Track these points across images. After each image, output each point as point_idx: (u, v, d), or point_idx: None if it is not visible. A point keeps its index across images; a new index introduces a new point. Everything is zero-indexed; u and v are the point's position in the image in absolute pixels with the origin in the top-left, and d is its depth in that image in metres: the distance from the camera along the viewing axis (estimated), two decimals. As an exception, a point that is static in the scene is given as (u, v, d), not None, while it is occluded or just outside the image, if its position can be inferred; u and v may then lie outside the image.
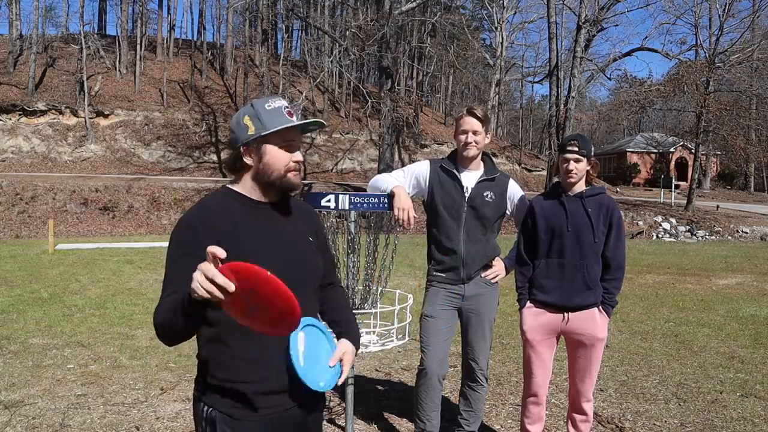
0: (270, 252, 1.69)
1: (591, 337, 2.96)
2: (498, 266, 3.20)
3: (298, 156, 1.73)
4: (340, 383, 1.77)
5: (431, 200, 3.17)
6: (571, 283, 2.92)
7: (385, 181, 3.11)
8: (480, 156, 3.17)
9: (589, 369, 3.01)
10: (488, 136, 3.12)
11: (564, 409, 4.02)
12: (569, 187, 2.96)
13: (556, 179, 3.09)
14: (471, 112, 3.05)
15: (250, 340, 1.62)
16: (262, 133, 1.68)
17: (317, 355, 1.72)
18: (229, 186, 1.77)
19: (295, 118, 1.70)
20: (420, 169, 3.21)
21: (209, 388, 1.68)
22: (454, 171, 3.13)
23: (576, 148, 2.87)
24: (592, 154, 2.93)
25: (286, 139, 1.71)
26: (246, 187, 1.75)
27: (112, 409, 4.01)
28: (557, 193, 3.01)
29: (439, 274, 3.18)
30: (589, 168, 2.94)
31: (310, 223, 1.90)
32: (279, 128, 1.68)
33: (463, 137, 3.07)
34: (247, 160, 1.71)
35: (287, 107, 1.72)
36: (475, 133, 3.05)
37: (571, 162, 2.89)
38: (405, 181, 3.16)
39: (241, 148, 1.70)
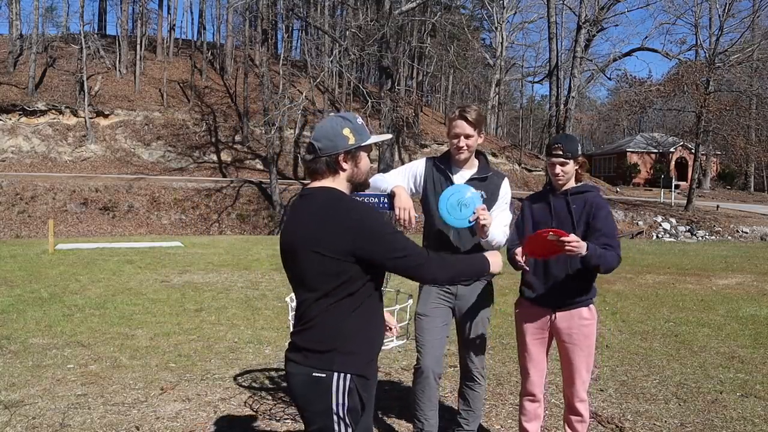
0: None
1: (578, 336, 2.96)
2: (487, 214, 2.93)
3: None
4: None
5: (425, 196, 3.18)
6: (557, 280, 2.93)
7: (384, 181, 3.11)
8: (474, 155, 3.17)
9: (578, 369, 3.00)
10: (482, 135, 3.10)
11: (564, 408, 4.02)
12: (559, 187, 3.00)
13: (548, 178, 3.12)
14: (462, 116, 3.02)
15: (377, 313, 2.10)
16: (362, 144, 2.05)
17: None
18: (328, 186, 2.07)
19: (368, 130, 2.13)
20: (417, 168, 3.22)
21: (353, 356, 1.99)
22: (447, 169, 3.13)
23: (560, 152, 2.89)
24: (579, 153, 2.95)
25: (368, 150, 2.11)
26: (343, 186, 2.08)
27: (112, 409, 4.01)
28: (546, 191, 3.05)
29: None
30: (577, 167, 2.96)
31: None
32: (374, 141, 2.07)
33: (455, 141, 3.06)
34: (345, 165, 2.05)
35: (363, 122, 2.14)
36: (466, 137, 3.04)
37: (557, 166, 2.92)
38: (404, 180, 3.17)
39: (341, 155, 2.03)
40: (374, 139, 2.08)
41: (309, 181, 2.12)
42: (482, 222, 2.84)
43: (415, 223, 2.95)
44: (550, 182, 3.05)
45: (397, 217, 2.91)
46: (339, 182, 2.06)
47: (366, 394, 2.01)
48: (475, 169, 3.16)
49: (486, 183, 3.14)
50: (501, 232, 3.07)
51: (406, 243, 2.00)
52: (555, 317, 2.97)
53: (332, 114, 2.14)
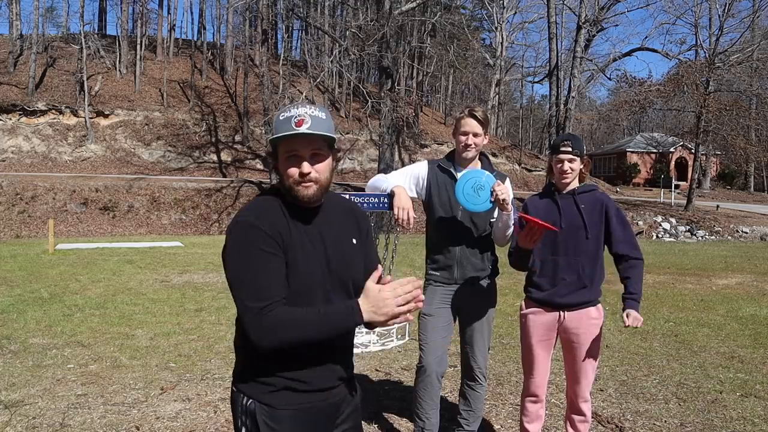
0: (313, 252, 1.71)
1: (586, 336, 2.96)
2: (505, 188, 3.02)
3: (303, 168, 1.65)
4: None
5: (428, 200, 3.18)
6: (565, 281, 2.92)
7: (384, 181, 3.11)
8: (477, 156, 3.18)
9: (584, 369, 3.00)
10: (487, 136, 3.13)
11: (564, 408, 4.01)
12: (564, 186, 2.98)
13: (550, 179, 3.10)
14: (472, 114, 3.04)
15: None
16: (271, 144, 1.70)
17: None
18: (278, 185, 1.78)
19: (303, 127, 1.63)
20: (418, 170, 3.23)
21: (251, 380, 1.71)
22: (452, 170, 3.14)
23: (569, 149, 2.89)
24: (585, 152, 2.95)
25: (288, 150, 1.67)
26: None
27: (112, 409, 4.01)
28: (551, 192, 3.03)
29: (434, 273, 3.20)
30: (581, 167, 2.96)
31: (355, 225, 1.87)
32: (273, 138, 1.67)
33: (463, 138, 3.07)
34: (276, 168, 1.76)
35: (300, 116, 1.64)
36: (475, 135, 3.06)
37: (566, 162, 2.91)
38: (404, 181, 3.17)
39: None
40: (276, 136, 1.67)
41: None
42: (501, 197, 2.88)
43: (414, 223, 2.95)
44: (553, 183, 3.05)
45: (396, 217, 2.91)
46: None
47: (277, 426, 1.68)
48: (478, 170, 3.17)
49: None
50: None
51: (244, 287, 1.61)
52: (564, 317, 2.97)
53: None
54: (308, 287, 1.68)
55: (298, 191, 1.68)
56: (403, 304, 1.58)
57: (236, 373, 1.78)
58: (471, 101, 50.65)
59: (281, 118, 1.67)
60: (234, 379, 1.79)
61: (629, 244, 2.94)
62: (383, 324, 1.62)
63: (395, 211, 2.92)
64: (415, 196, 3.20)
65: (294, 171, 1.66)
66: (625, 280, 2.93)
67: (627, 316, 2.82)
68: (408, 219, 2.89)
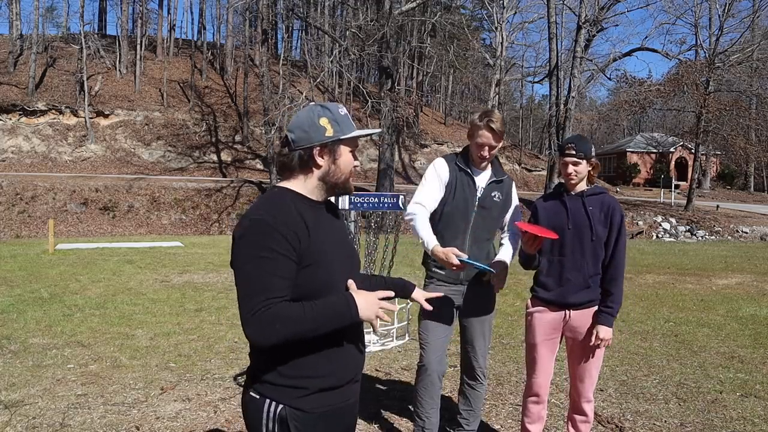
0: (335, 250, 1.78)
1: (590, 335, 2.96)
2: (499, 279, 3.12)
3: (356, 162, 1.85)
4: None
5: (447, 197, 3.14)
6: (571, 280, 2.93)
7: (423, 229, 3.04)
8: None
9: (589, 369, 3.01)
10: (502, 140, 3.13)
11: (564, 408, 4.02)
12: (572, 187, 2.99)
13: (560, 180, 3.10)
14: (489, 127, 3.00)
15: (324, 337, 1.69)
16: (341, 137, 1.76)
17: None
18: (285, 186, 1.79)
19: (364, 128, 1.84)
20: (441, 172, 3.15)
21: (279, 384, 1.71)
22: (470, 171, 3.14)
23: (573, 152, 2.89)
24: (593, 154, 2.94)
25: (353, 145, 1.82)
26: (307, 187, 1.79)
27: (112, 409, 4.01)
28: (559, 192, 3.04)
29: (439, 271, 3.18)
30: (590, 169, 2.95)
31: (344, 222, 2.06)
32: (358, 134, 1.78)
33: (479, 151, 3.07)
34: (320, 161, 1.77)
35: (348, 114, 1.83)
36: (491, 148, 3.06)
37: (570, 165, 2.91)
38: (437, 190, 3.12)
39: (316, 149, 1.75)
40: (358, 132, 1.79)
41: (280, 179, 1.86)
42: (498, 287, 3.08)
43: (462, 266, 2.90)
44: (563, 184, 3.06)
45: (453, 269, 2.91)
46: (310, 182, 1.78)
47: (309, 430, 1.72)
48: (490, 171, 3.19)
49: (502, 185, 3.19)
50: (509, 251, 3.19)
51: (249, 284, 1.62)
52: (570, 316, 2.97)
53: (312, 103, 1.91)
54: (334, 281, 1.73)
55: (350, 183, 1.85)
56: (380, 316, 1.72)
57: (258, 378, 1.74)
58: (471, 101, 50.74)
59: (342, 113, 1.79)
60: (255, 384, 1.75)
61: (616, 257, 2.95)
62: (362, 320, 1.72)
63: (449, 266, 2.91)
64: (441, 196, 3.16)
65: (352, 163, 1.83)
66: (604, 293, 2.95)
67: (597, 332, 2.88)
68: (454, 263, 2.86)
